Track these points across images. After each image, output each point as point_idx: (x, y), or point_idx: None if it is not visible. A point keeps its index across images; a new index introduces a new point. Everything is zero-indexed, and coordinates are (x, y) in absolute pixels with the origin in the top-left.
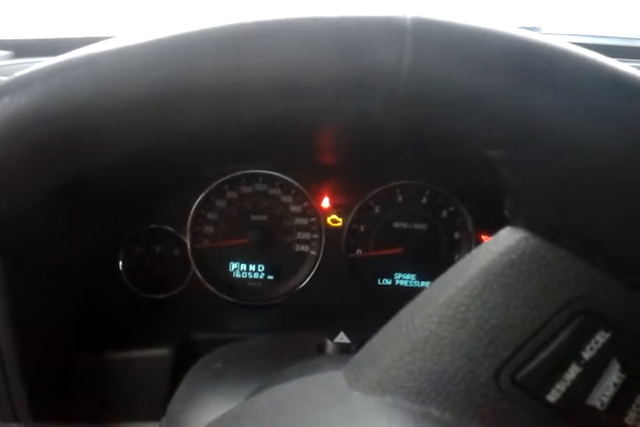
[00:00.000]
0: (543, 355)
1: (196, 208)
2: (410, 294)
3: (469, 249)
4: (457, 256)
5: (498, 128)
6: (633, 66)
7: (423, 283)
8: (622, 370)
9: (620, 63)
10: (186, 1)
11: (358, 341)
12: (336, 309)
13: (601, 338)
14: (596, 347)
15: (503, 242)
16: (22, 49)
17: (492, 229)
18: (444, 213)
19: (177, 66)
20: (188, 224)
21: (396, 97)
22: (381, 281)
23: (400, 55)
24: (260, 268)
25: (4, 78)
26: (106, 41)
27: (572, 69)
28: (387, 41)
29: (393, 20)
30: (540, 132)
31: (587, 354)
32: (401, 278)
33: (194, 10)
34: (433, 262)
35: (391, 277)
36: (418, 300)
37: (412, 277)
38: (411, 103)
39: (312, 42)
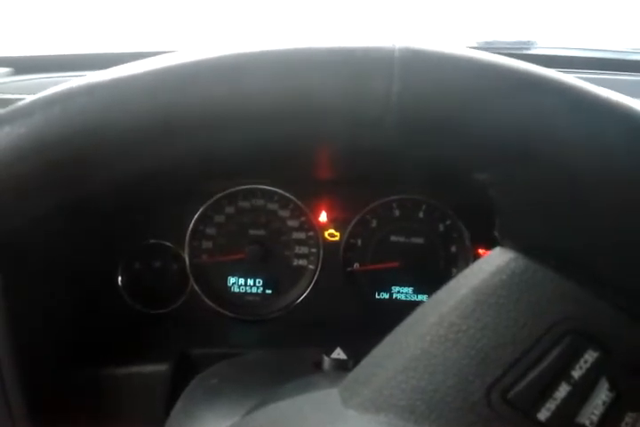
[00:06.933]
0: (533, 374)
1: (195, 223)
2: (407, 307)
3: (466, 263)
4: (454, 270)
5: (483, 153)
6: (628, 79)
7: (420, 296)
8: (611, 389)
9: (602, 88)
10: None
11: (355, 356)
12: (334, 322)
13: (590, 357)
14: (585, 366)
15: (493, 262)
16: (22, 66)
17: (489, 243)
18: (441, 227)
19: (175, 96)
20: (187, 239)
21: (387, 123)
22: (379, 295)
23: (389, 83)
24: (259, 282)
25: (4, 95)
26: (104, 71)
27: (557, 96)
28: (376, 70)
29: (382, 51)
30: (526, 157)
31: (576, 373)
32: (398, 292)
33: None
34: (430, 276)
35: (389, 290)
36: (411, 319)
37: (410, 290)
38: (400, 129)
39: (304, 71)
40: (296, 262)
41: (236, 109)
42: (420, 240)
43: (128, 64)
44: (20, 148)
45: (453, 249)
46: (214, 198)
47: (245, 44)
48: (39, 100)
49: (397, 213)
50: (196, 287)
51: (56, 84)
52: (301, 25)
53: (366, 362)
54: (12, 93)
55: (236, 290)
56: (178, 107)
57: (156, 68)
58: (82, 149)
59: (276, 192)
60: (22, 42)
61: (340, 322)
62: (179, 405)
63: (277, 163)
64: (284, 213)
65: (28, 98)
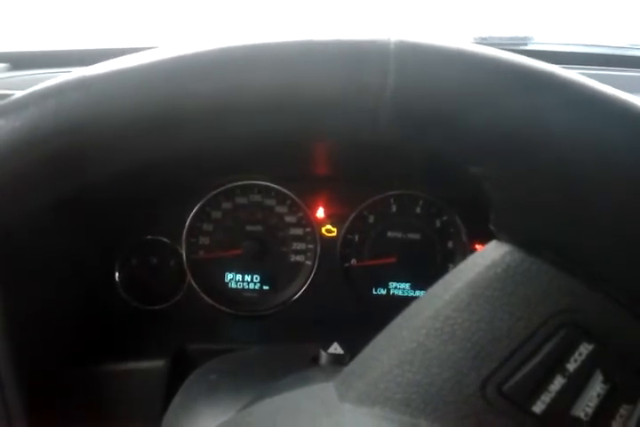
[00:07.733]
0: (529, 366)
1: (192, 219)
2: (404, 303)
3: (463, 258)
4: (451, 265)
5: (478, 147)
6: (625, 75)
7: (418, 292)
8: (605, 381)
9: (598, 83)
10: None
11: (352, 351)
12: (331, 318)
13: (584, 350)
14: (579, 359)
15: (489, 256)
16: (19, 61)
17: (486, 239)
18: (438, 223)
19: (170, 89)
20: (184, 235)
21: (382, 116)
22: (376, 290)
23: (384, 76)
24: (256, 278)
25: (1, 91)
26: (98, 64)
27: (556, 90)
28: (371, 63)
29: (377, 44)
30: (523, 152)
31: (571, 365)
32: (395, 288)
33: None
34: (427, 272)
35: (386, 286)
36: (407, 312)
37: (407, 286)
38: (395, 121)
39: (299, 64)
40: (293, 258)
41: (231, 102)
42: (417, 236)
43: (122, 57)
44: (15, 141)
45: (450, 245)
46: (211, 194)
47: (241, 38)
48: (33, 93)
49: (394, 208)
50: (194, 283)
51: None
52: (297, 18)
53: (362, 356)
54: (9, 89)
55: (234, 286)
56: (173, 100)
57: (152, 60)
58: (77, 141)
59: (273, 188)
60: (19, 38)
61: (337, 318)
62: (176, 400)
63: (275, 158)
64: (282, 209)
65: (22, 92)
